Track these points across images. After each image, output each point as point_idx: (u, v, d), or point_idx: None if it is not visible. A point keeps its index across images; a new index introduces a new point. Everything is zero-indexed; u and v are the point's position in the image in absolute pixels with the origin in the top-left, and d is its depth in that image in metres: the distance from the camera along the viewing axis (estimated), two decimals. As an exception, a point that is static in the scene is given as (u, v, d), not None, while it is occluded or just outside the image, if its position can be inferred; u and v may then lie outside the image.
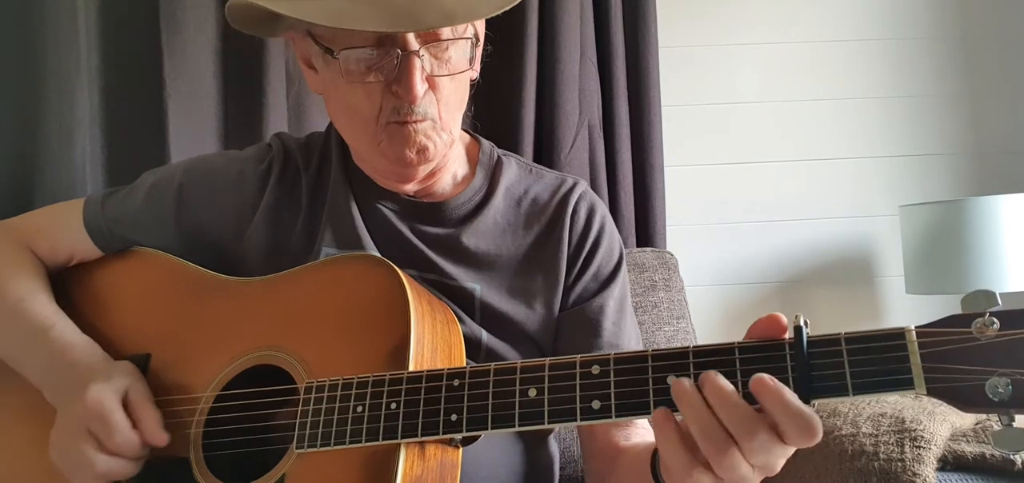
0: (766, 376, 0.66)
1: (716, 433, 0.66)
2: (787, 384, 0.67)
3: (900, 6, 2.14)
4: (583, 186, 1.10)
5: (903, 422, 1.16)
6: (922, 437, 1.13)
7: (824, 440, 1.24)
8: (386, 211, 1.04)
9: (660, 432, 0.70)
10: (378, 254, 1.01)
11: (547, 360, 0.76)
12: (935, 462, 1.11)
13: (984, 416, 1.16)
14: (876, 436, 1.16)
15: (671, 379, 0.70)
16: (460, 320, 0.97)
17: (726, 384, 0.67)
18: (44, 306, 1.00)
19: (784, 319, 0.70)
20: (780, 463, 0.68)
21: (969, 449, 1.15)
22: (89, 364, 0.93)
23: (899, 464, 1.11)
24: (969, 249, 1.78)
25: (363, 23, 0.85)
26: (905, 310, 2.08)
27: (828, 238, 2.10)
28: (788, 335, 0.70)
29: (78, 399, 0.87)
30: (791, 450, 0.67)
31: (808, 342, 0.68)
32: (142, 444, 0.87)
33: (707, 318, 2.02)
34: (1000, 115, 2.14)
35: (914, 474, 1.09)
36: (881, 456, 1.13)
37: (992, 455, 1.12)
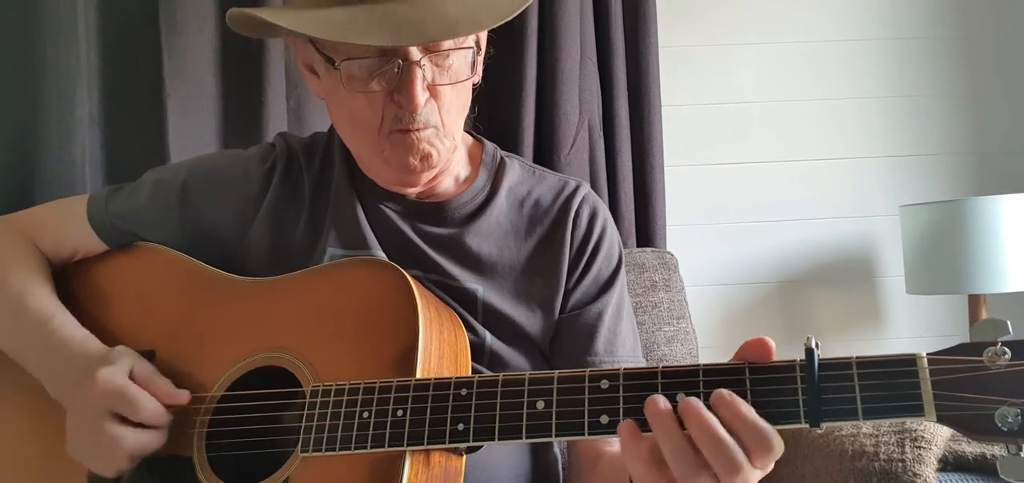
0: (724, 390, 0.67)
1: (687, 458, 0.66)
2: (798, 407, 0.68)
3: (900, 6, 2.14)
4: (585, 189, 1.10)
5: (904, 422, 1.16)
6: (922, 437, 1.13)
7: (825, 440, 1.24)
8: (389, 211, 1.04)
9: (627, 448, 0.69)
10: (382, 255, 1.01)
11: (556, 372, 0.76)
12: (935, 462, 1.11)
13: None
14: (876, 436, 1.16)
15: (648, 399, 0.68)
16: (464, 322, 0.97)
17: (707, 414, 0.66)
18: (45, 299, 1.00)
19: (771, 343, 0.70)
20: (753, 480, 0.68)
21: (969, 449, 1.16)
22: (87, 354, 0.93)
23: (899, 464, 1.11)
24: (969, 249, 1.78)
25: (365, 37, 0.85)
26: (905, 310, 2.08)
27: (828, 238, 2.10)
28: (799, 358, 0.69)
29: (88, 387, 0.87)
30: (760, 472, 0.67)
31: (819, 365, 0.68)
32: (165, 412, 0.87)
33: (707, 318, 2.02)
34: (1000, 115, 2.14)
35: (914, 474, 1.09)
36: (881, 456, 1.13)
37: (992, 455, 1.12)
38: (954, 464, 1.14)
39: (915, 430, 1.14)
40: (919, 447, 1.12)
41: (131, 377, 0.89)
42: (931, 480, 1.08)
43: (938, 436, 1.14)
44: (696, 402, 0.67)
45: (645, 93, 1.86)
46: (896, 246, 2.00)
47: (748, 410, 0.66)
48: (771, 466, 0.68)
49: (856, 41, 2.12)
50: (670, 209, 1.91)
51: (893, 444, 1.14)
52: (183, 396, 0.89)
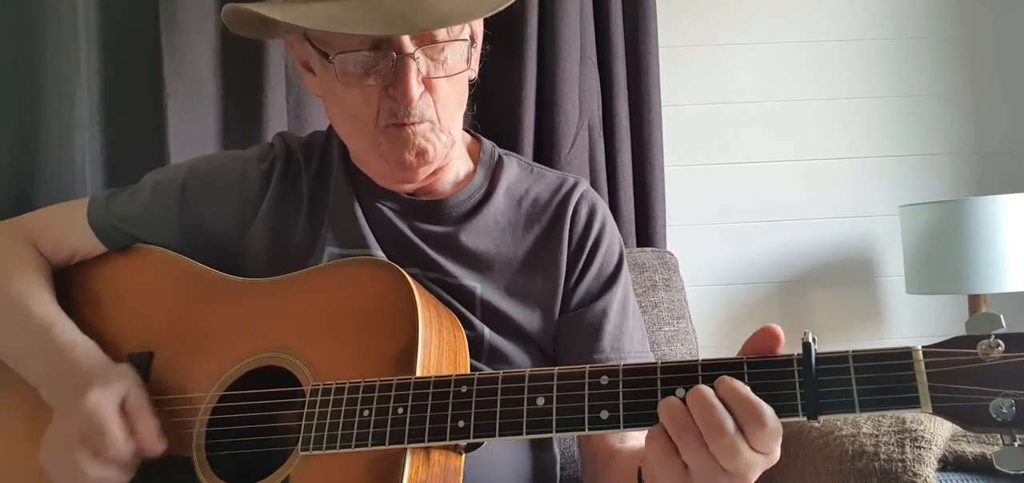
0: (724, 377, 0.69)
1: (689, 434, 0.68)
2: (796, 399, 0.69)
3: (900, 6, 2.14)
4: (584, 186, 1.10)
5: (903, 422, 1.16)
6: (922, 437, 1.13)
7: (825, 441, 1.24)
8: (387, 210, 1.04)
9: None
10: (381, 253, 1.01)
11: (556, 369, 0.76)
12: (935, 462, 1.11)
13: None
14: (877, 436, 1.16)
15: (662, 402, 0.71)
16: (462, 318, 0.97)
17: (704, 388, 0.69)
18: (45, 305, 1.00)
19: (778, 330, 0.72)
20: (752, 474, 0.69)
21: (969, 449, 1.15)
22: (88, 366, 0.92)
23: (899, 464, 1.11)
24: (969, 249, 1.78)
25: (356, 27, 0.86)
26: (905, 310, 2.08)
27: (828, 238, 2.10)
28: (796, 351, 0.70)
29: (76, 403, 0.86)
30: (762, 457, 0.68)
31: (816, 358, 0.69)
32: (136, 453, 0.86)
33: (707, 318, 2.02)
34: (1000, 115, 2.14)
35: (914, 474, 1.09)
36: (882, 456, 1.13)
37: (992, 455, 1.12)
38: (954, 464, 1.14)
39: (915, 430, 1.14)
40: (919, 447, 1.12)
41: (123, 404, 0.87)
42: (931, 480, 1.08)
43: (938, 436, 1.14)
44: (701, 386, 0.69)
45: (645, 93, 1.86)
46: (896, 246, 2.00)
47: (739, 385, 0.68)
48: (774, 449, 0.69)
49: (856, 41, 2.12)
50: (670, 209, 1.91)
51: (893, 444, 1.13)
52: (158, 447, 0.87)
